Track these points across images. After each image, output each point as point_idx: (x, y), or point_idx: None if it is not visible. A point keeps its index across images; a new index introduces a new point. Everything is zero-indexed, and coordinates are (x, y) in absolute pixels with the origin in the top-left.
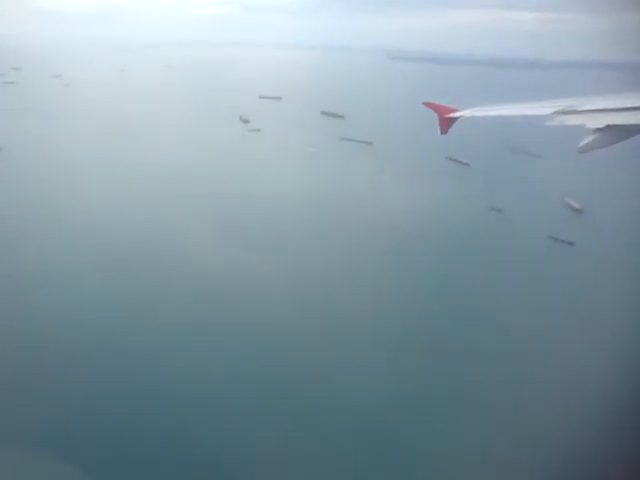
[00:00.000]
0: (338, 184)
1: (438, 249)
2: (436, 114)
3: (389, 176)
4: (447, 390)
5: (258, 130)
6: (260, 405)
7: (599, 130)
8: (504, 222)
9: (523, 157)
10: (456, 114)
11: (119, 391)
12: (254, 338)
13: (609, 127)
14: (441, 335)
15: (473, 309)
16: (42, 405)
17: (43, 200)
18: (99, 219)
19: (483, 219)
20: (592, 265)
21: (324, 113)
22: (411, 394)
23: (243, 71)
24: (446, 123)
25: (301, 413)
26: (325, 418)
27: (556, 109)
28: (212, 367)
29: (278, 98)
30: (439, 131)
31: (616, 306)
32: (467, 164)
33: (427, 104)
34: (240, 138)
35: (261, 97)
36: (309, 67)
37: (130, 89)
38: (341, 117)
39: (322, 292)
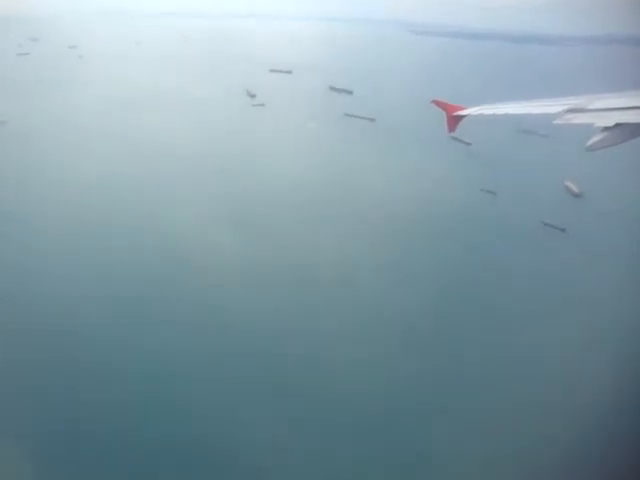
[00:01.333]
0: (332, 162)
1: (422, 232)
2: (444, 112)
3: (385, 154)
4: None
5: (262, 105)
6: (259, 392)
7: (608, 129)
8: (493, 205)
9: (529, 137)
10: (463, 112)
11: (122, 389)
12: (253, 324)
13: (618, 125)
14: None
15: (448, 292)
16: (42, 403)
17: (45, 175)
18: (102, 193)
19: (472, 202)
20: (581, 253)
21: (332, 88)
22: (413, 378)
23: (257, 43)
24: (453, 121)
25: (299, 400)
26: (325, 407)
27: (564, 107)
28: (214, 355)
29: (289, 72)
30: (446, 129)
31: (598, 295)
32: (469, 143)
33: (435, 102)
34: (242, 113)
35: (272, 70)
36: (324, 40)
37: (144, 60)
38: (349, 92)
39: (315, 275)
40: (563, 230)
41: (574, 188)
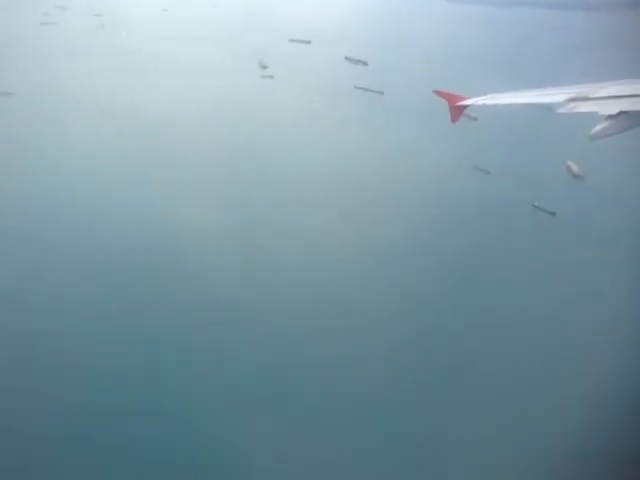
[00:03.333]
0: (328, 137)
1: (404, 214)
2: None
3: (384, 130)
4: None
5: (271, 77)
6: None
7: (612, 117)
8: (484, 185)
9: (536, 110)
10: (466, 102)
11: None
12: (261, 315)
13: (622, 114)
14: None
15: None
16: (42, 406)
17: (49, 151)
18: (108, 169)
19: (463, 182)
20: (568, 240)
21: (348, 59)
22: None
23: (282, 12)
24: (456, 111)
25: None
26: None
27: (568, 96)
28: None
29: (307, 42)
30: (450, 119)
31: (579, 282)
32: (475, 118)
33: (437, 92)
34: (249, 85)
35: (291, 40)
36: (351, 8)
37: (167, 28)
38: (365, 64)
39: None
40: (553, 214)
41: (575, 169)
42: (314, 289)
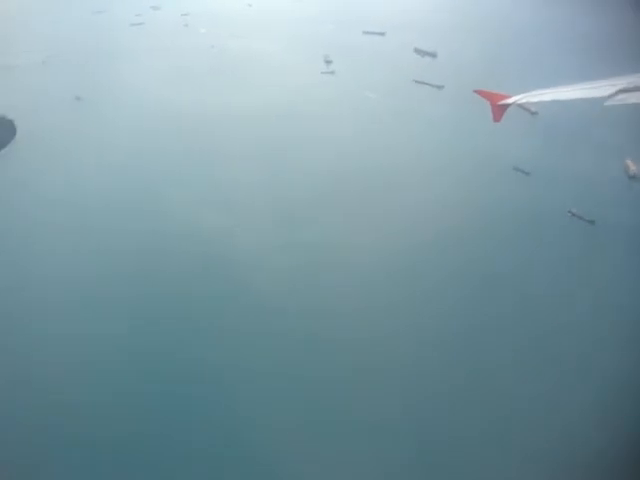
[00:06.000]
0: (377, 133)
1: (446, 211)
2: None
3: (433, 127)
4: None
5: (331, 73)
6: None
7: None
8: (521, 187)
9: (589, 105)
10: (508, 100)
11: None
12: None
13: None
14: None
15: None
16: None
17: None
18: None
19: (500, 181)
20: (606, 251)
21: (417, 50)
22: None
23: (359, 3)
24: (499, 111)
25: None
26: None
27: (616, 88)
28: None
29: (382, 34)
30: (492, 119)
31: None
32: (535, 112)
33: (477, 91)
34: (307, 82)
35: (365, 32)
36: None
37: (250, 24)
38: (433, 55)
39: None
40: (592, 222)
41: (632, 168)
42: (359, 288)
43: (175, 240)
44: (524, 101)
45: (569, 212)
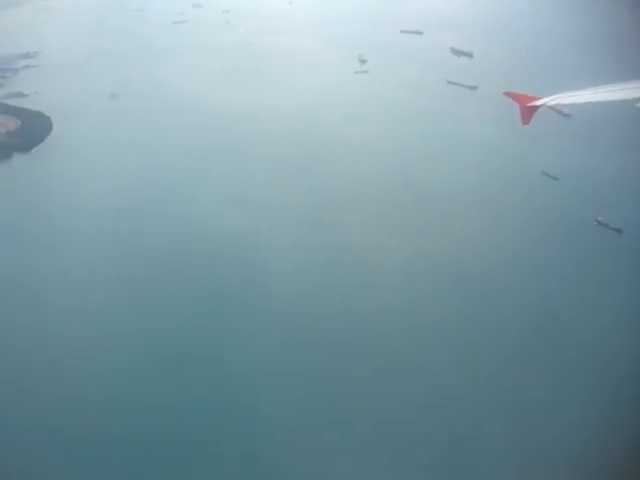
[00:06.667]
0: (406, 133)
1: (470, 214)
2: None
3: (463, 128)
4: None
5: (365, 72)
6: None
7: None
8: (548, 193)
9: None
10: (538, 102)
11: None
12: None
13: None
14: None
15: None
16: (56, 403)
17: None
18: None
19: (530, 185)
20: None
21: (454, 50)
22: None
23: (398, 2)
24: (528, 112)
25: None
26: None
27: None
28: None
29: (419, 33)
30: (521, 121)
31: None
32: (568, 115)
33: (507, 94)
34: (340, 80)
35: (402, 32)
36: None
37: (283, 23)
38: (469, 56)
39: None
40: (619, 231)
41: None
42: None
43: (201, 240)
44: (554, 103)
45: (596, 221)
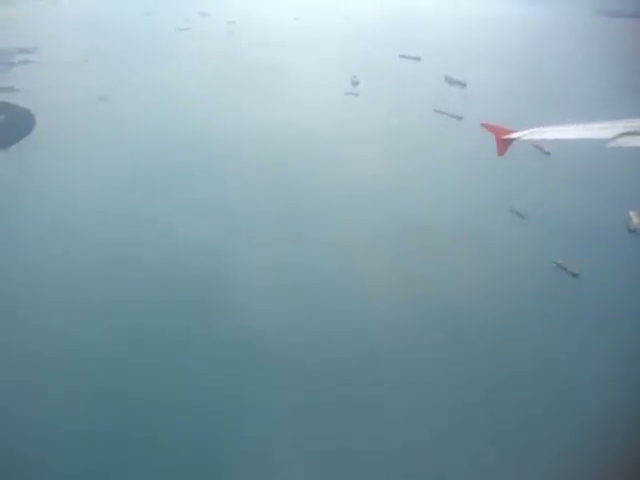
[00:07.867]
0: (385, 159)
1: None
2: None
3: (441, 160)
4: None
5: (355, 95)
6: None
7: None
8: (515, 230)
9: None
10: (512, 135)
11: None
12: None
13: None
14: None
15: None
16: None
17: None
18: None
19: (495, 223)
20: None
21: (448, 79)
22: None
23: (403, 27)
24: (503, 144)
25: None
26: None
27: (620, 131)
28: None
29: (417, 59)
30: (497, 152)
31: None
32: (548, 153)
33: (484, 125)
34: (330, 102)
35: (401, 56)
36: (489, 22)
37: (284, 39)
38: (462, 85)
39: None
40: (575, 275)
41: (635, 222)
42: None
43: (178, 253)
44: (527, 138)
45: (554, 263)
